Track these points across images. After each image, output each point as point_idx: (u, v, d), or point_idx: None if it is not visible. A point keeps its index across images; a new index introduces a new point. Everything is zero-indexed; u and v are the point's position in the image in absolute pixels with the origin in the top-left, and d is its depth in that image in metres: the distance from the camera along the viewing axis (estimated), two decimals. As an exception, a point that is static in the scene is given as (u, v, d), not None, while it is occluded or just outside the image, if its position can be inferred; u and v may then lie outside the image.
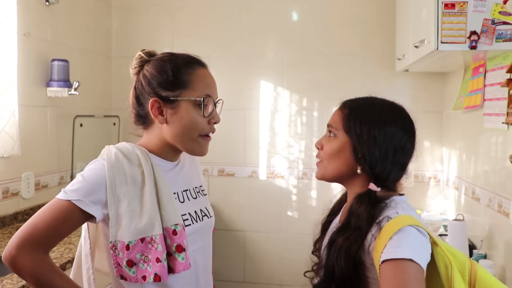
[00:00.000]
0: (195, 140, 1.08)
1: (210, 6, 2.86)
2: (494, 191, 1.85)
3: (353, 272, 0.95)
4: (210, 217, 1.20)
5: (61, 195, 0.98)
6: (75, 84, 2.33)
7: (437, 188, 2.69)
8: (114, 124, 2.92)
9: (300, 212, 2.86)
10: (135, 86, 1.11)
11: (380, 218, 0.96)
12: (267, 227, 2.89)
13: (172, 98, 1.05)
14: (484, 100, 1.94)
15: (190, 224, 1.09)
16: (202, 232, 1.14)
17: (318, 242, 1.17)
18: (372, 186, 1.01)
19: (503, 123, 1.72)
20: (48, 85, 2.27)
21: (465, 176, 2.25)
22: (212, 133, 1.12)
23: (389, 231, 0.90)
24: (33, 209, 2.20)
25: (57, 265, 1.54)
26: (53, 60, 2.26)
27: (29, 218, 2.19)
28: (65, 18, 2.45)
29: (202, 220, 1.15)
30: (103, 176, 0.99)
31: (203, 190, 1.23)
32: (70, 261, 1.62)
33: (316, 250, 1.17)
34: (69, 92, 2.31)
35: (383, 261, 0.88)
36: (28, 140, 2.13)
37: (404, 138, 1.03)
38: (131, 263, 0.96)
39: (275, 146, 2.86)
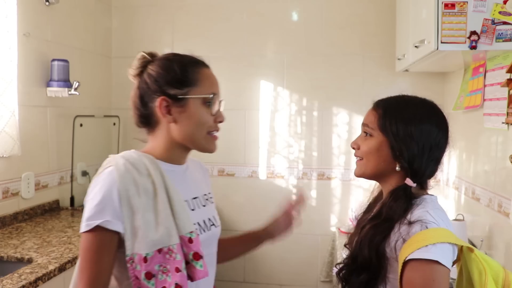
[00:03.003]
0: (204, 137, 1.07)
1: (210, 6, 2.86)
2: (494, 191, 1.85)
3: (375, 261, 1.00)
4: (217, 226, 1.18)
5: (83, 227, 0.95)
6: (75, 84, 2.33)
7: (437, 188, 2.69)
8: (114, 124, 2.92)
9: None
10: (138, 87, 1.08)
11: (413, 218, 0.98)
12: (267, 227, 2.88)
13: (180, 96, 1.03)
14: (484, 100, 1.94)
15: (198, 234, 1.06)
16: (209, 242, 1.12)
17: (352, 236, 1.20)
18: (409, 182, 1.04)
19: (503, 123, 1.72)
20: (48, 85, 2.27)
21: (465, 176, 2.25)
22: (217, 131, 1.11)
23: (423, 241, 0.92)
24: (33, 209, 2.20)
25: (57, 265, 1.55)
26: (53, 60, 2.27)
27: (29, 218, 2.20)
28: (65, 18, 2.45)
29: (210, 229, 1.13)
30: (115, 190, 0.96)
31: (211, 197, 1.21)
32: (70, 261, 1.62)
33: (349, 243, 1.20)
34: (69, 92, 2.31)
35: (410, 260, 0.91)
36: (28, 140, 2.13)
37: (439, 135, 1.07)
38: (149, 275, 0.93)
39: (275, 146, 2.86)
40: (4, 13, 1.91)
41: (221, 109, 1.12)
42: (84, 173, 2.59)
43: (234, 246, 1.34)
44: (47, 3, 2.26)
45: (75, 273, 1.05)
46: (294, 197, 1.38)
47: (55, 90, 2.27)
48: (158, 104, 1.04)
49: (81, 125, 2.58)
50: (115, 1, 2.97)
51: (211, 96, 1.06)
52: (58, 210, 2.38)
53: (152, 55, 1.10)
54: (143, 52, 1.09)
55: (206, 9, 2.87)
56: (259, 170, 2.87)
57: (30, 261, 1.62)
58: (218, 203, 2.95)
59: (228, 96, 2.86)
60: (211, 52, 2.84)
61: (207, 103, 1.05)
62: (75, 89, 2.33)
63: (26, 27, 2.12)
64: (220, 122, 1.10)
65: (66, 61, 2.30)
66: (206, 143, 1.09)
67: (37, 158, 2.24)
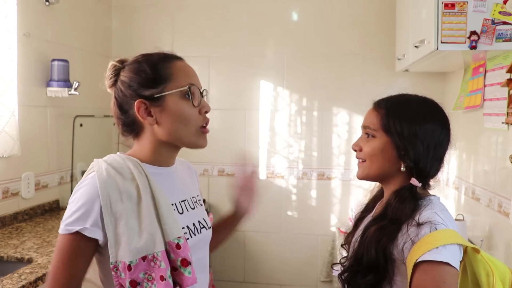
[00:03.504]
0: (195, 132, 1.03)
1: (210, 6, 2.87)
2: (494, 191, 1.85)
3: (382, 262, 0.99)
4: (209, 228, 1.15)
5: (62, 230, 0.94)
6: (75, 84, 2.33)
7: (437, 188, 2.68)
8: (114, 124, 2.90)
9: (300, 212, 2.86)
10: (115, 96, 1.06)
11: (421, 220, 0.97)
12: (267, 227, 2.89)
13: (156, 96, 1.00)
14: (484, 100, 1.94)
15: (188, 238, 1.03)
16: (200, 245, 1.10)
17: (349, 236, 1.19)
18: (414, 181, 1.03)
19: (503, 123, 1.72)
20: (48, 85, 2.27)
21: (465, 176, 2.25)
22: (207, 124, 1.06)
23: (433, 242, 0.92)
24: (33, 209, 2.20)
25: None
26: (53, 60, 2.26)
27: (29, 218, 2.20)
28: (65, 18, 2.45)
29: (201, 232, 1.10)
30: (96, 196, 0.94)
31: (200, 199, 1.18)
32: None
33: (346, 244, 1.20)
34: (69, 92, 2.31)
35: (420, 262, 0.91)
36: (28, 140, 2.13)
37: (443, 133, 1.06)
38: (134, 284, 0.91)
39: (275, 146, 2.86)
40: (4, 13, 1.91)
41: (205, 99, 1.07)
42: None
43: (216, 233, 1.30)
44: (47, 3, 2.26)
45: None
46: (241, 167, 1.27)
47: (55, 90, 2.27)
48: (136, 108, 1.00)
49: (81, 125, 2.58)
50: (115, 1, 2.97)
51: (188, 87, 1.01)
52: (58, 210, 2.37)
53: (122, 62, 1.07)
54: (113, 61, 1.06)
55: (206, 9, 2.87)
56: (259, 170, 2.87)
57: (30, 261, 1.62)
58: (218, 203, 2.96)
59: (228, 96, 2.88)
60: (211, 52, 2.84)
61: (186, 95, 1.02)
62: (75, 89, 2.33)
63: (26, 27, 2.12)
64: (206, 112, 1.06)
65: (66, 61, 2.30)
66: (196, 139, 1.04)
67: (37, 158, 2.24)
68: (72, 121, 2.51)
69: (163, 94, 1.00)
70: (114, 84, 1.06)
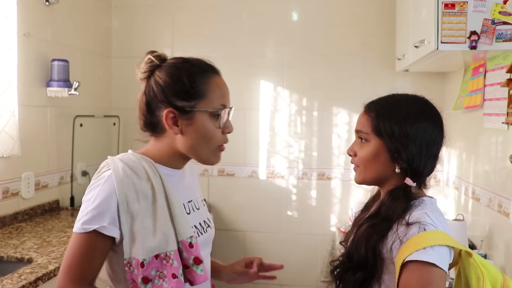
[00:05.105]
0: (213, 150, 1.06)
1: (210, 6, 2.86)
2: (494, 191, 1.85)
3: (371, 260, 0.99)
4: (212, 227, 1.18)
5: (78, 229, 0.95)
6: (75, 84, 2.33)
7: (437, 188, 2.69)
8: (114, 124, 2.92)
9: (300, 212, 2.86)
10: (145, 92, 1.05)
11: (411, 220, 0.97)
12: (267, 227, 2.89)
13: (188, 109, 1.01)
14: (484, 100, 1.94)
15: (197, 237, 1.06)
16: (205, 244, 1.12)
17: (348, 235, 1.20)
18: (409, 181, 1.03)
19: (503, 123, 1.72)
20: (48, 85, 2.27)
21: (465, 176, 2.25)
22: (225, 143, 1.08)
23: (421, 243, 0.92)
24: (33, 209, 2.20)
25: (57, 265, 1.55)
26: (53, 60, 2.26)
27: (29, 218, 2.20)
28: (65, 18, 2.45)
29: (206, 231, 1.13)
30: (113, 195, 0.95)
31: (202, 200, 1.21)
32: (70, 261, 1.62)
33: (344, 241, 1.20)
34: (69, 92, 2.31)
35: (408, 262, 0.91)
36: (28, 140, 2.13)
37: (435, 131, 1.06)
38: (146, 280, 0.94)
39: (275, 146, 2.86)
40: (4, 13, 1.91)
41: (230, 118, 1.09)
42: (84, 173, 2.59)
43: None
44: (47, 3, 2.26)
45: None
46: (266, 263, 1.29)
47: (55, 90, 2.27)
48: (164, 115, 1.01)
49: (81, 125, 2.58)
50: (115, 1, 2.97)
51: (220, 110, 1.03)
52: (58, 210, 2.37)
53: (161, 59, 1.06)
54: (151, 54, 1.05)
55: (206, 9, 2.87)
56: (259, 170, 2.87)
57: (30, 261, 1.62)
58: (218, 203, 2.96)
59: (228, 96, 2.88)
60: (211, 52, 2.84)
61: (216, 115, 1.03)
62: (75, 89, 2.33)
63: (26, 27, 2.12)
64: (228, 133, 1.08)
65: (66, 61, 2.29)
66: (212, 157, 1.07)
67: (37, 158, 2.24)
68: (72, 121, 2.51)
69: (195, 110, 1.02)
70: (146, 78, 1.06)
